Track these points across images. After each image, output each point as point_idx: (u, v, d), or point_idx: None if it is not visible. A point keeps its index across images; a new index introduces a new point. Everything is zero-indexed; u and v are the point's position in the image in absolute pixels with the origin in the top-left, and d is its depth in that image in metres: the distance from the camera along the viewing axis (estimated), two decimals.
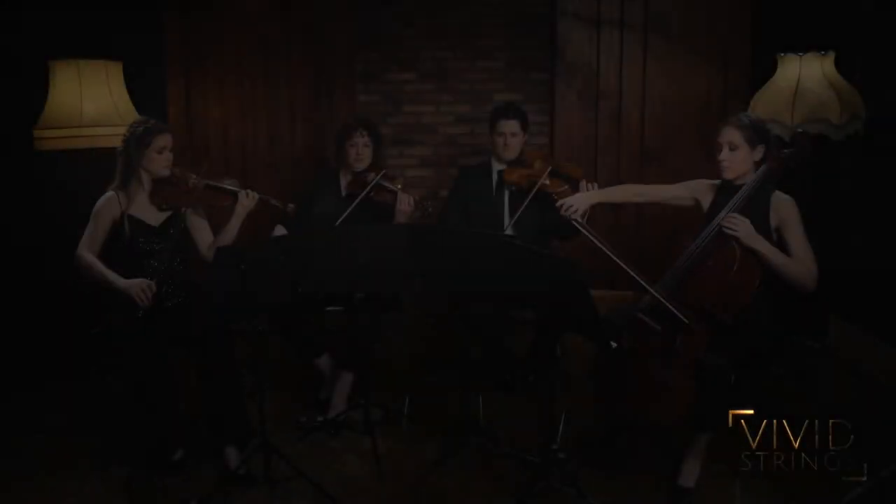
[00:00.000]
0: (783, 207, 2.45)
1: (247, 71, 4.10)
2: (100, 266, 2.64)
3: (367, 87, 4.21)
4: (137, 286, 2.57)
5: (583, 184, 3.01)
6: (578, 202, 2.73)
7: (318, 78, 4.12)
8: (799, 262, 2.37)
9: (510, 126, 3.24)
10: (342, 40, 4.10)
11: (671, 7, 4.01)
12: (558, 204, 2.72)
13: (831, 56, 3.19)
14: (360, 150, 3.18)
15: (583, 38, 4.08)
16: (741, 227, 2.36)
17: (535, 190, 3.09)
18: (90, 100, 3.22)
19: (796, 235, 2.40)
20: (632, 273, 2.37)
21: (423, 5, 4.13)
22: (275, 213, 3.04)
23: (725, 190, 2.56)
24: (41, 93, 3.26)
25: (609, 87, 4.11)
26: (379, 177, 3.12)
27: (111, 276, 2.62)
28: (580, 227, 2.56)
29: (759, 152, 2.49)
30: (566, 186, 3.09)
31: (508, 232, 3.16)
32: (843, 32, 3.49)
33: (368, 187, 3.09)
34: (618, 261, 2.38)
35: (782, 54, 3.28)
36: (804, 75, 3.16)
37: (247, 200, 2.80)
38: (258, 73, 4.10)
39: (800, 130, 2.62)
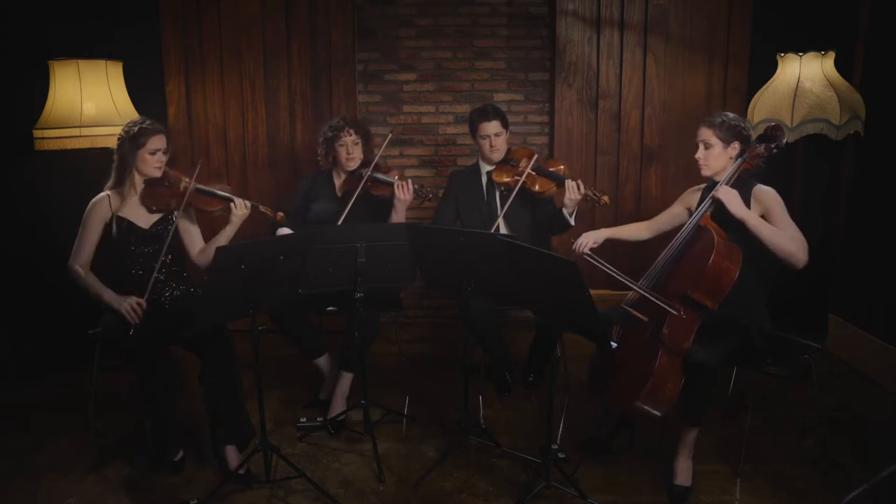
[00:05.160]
0: (764, 197, 2.51)
1: (247, 71, 4.11)
2: (90, 279, 2.67)
3: (367, 87, 4.21)
4: (127, 304, 2.58)
5: (568, 182, 3.01)
6: (588, 238, 2.76)
7: (318, 78, 4.13)
8: (788, 235, 2.42)
9: (492, 127, 3.25)
10: (342, 40, 4.10)
11: (671, 7, 4.01)
12: (573, 248, 2.77)
13: (831, 56, 3.19)
14: (351, 149, 3.16)
15: (583, 38, 4.08)
16: (730, 196, 2.44)
17: (517, 188, 3.11)
18: (90, 100, 3.22)
19: (782, 219, 2.46)
20: (634, 286, 2.46)
21: (423, 5, 4.13)
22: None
23: (709, 189, 2.62)
24: (41, 93, 3.26)
25: (609, 87, 4.11)
26: (371, 170, 3.11)
27: (100, 288, 2.65)
28: (591, 259, 2.61)
29: (734, 149, 2.56)
30: (552, 184, 3.10)
31: (503, 232, 3.17)
32: (843, 32, 3.50)
33: (362, 182, 3.09)
34: (625, 280, 2.46)
35: (782, 54, 3.29)
36: (804, 75, 3.16)
37: (243, 210, 2.78)
38: (258, 73, 4.11)
39: (773, 123, 2.65)
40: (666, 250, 2.52)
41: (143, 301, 2.60)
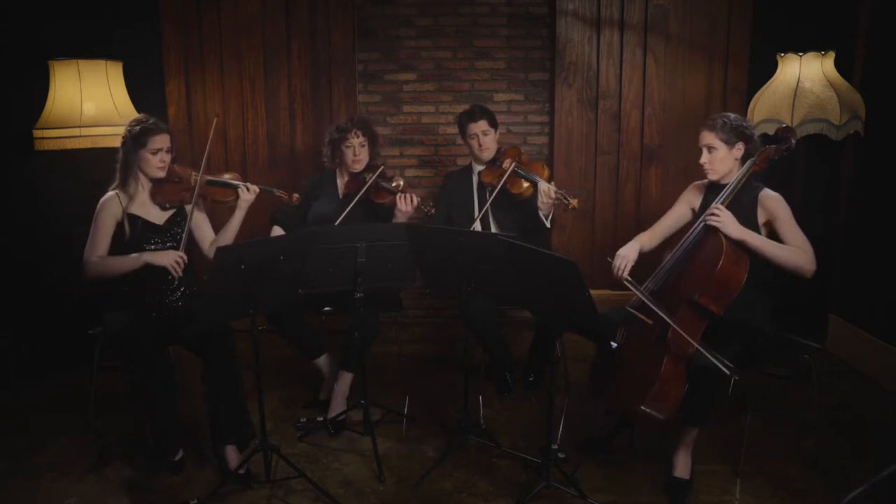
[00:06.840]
0: (770, 203, 2.48)
1: (247, 71, 4.11)
2: (110, 259, 2.63)
3: (367, 87, 4.21)
4: (170, 258, 2.58)
5: (540, 184, 3.02)
6: (627, 259, 2.54)
7: (318, 78, 4.12)
8: (792, 247, 2.39)
9: (480, 126, 3.28)
10: (342, 40, 4.10)
11: (671, 7, 4.01)
12: (614, 273, 2.55)
13: (831, 56, 3.19)
14: (357, 151, 3.16)
15: (583, 38, 4.08)
16: (724, 217, 2.40)
17: (497, 189, 3.13)
18: (90, 100, 3.22)
19: (788, 226, 2.43)
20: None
21: (423, 5, 4.13)
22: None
23: (714, 189, 2.60)
24: (41, 93, 3.26)
25: (609, 87, 4.11)
26: (376, 176, 3.11)
27: (127, 260, 2.61)
28: (631, 286, 2.46)
29: (738, 150, 2.52)
30: (529, 186, 3.12)
31: (493, 230, 3.21)
32: (843, 32, 3.50)
33: (365, 186, 3.09)
34: (655, 308, 2.37)
35: (782, 54, 3.29)
36: (804, 75, 3.16)
37: (248, 195, 2.81)
38: (258, 73, 4.10)
39: (784, 125, 2.63)
40: (672, 252, 2.51)
41: (183, 254, 2.61)
